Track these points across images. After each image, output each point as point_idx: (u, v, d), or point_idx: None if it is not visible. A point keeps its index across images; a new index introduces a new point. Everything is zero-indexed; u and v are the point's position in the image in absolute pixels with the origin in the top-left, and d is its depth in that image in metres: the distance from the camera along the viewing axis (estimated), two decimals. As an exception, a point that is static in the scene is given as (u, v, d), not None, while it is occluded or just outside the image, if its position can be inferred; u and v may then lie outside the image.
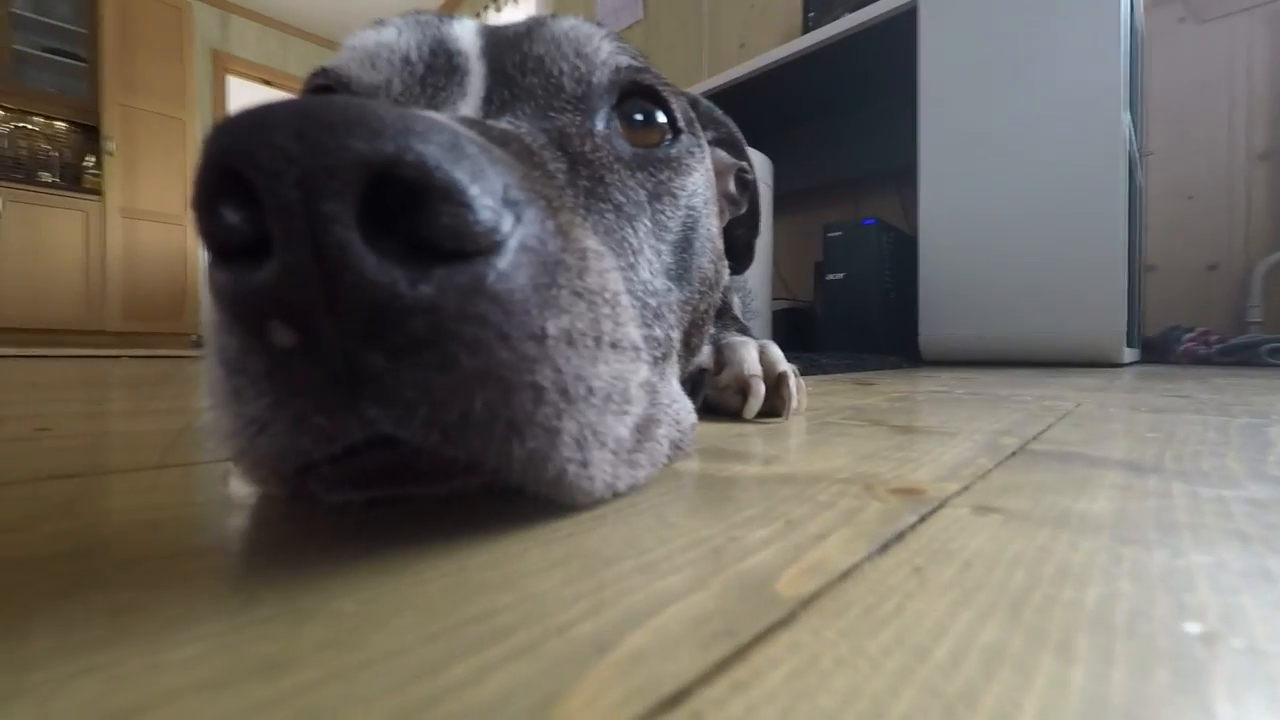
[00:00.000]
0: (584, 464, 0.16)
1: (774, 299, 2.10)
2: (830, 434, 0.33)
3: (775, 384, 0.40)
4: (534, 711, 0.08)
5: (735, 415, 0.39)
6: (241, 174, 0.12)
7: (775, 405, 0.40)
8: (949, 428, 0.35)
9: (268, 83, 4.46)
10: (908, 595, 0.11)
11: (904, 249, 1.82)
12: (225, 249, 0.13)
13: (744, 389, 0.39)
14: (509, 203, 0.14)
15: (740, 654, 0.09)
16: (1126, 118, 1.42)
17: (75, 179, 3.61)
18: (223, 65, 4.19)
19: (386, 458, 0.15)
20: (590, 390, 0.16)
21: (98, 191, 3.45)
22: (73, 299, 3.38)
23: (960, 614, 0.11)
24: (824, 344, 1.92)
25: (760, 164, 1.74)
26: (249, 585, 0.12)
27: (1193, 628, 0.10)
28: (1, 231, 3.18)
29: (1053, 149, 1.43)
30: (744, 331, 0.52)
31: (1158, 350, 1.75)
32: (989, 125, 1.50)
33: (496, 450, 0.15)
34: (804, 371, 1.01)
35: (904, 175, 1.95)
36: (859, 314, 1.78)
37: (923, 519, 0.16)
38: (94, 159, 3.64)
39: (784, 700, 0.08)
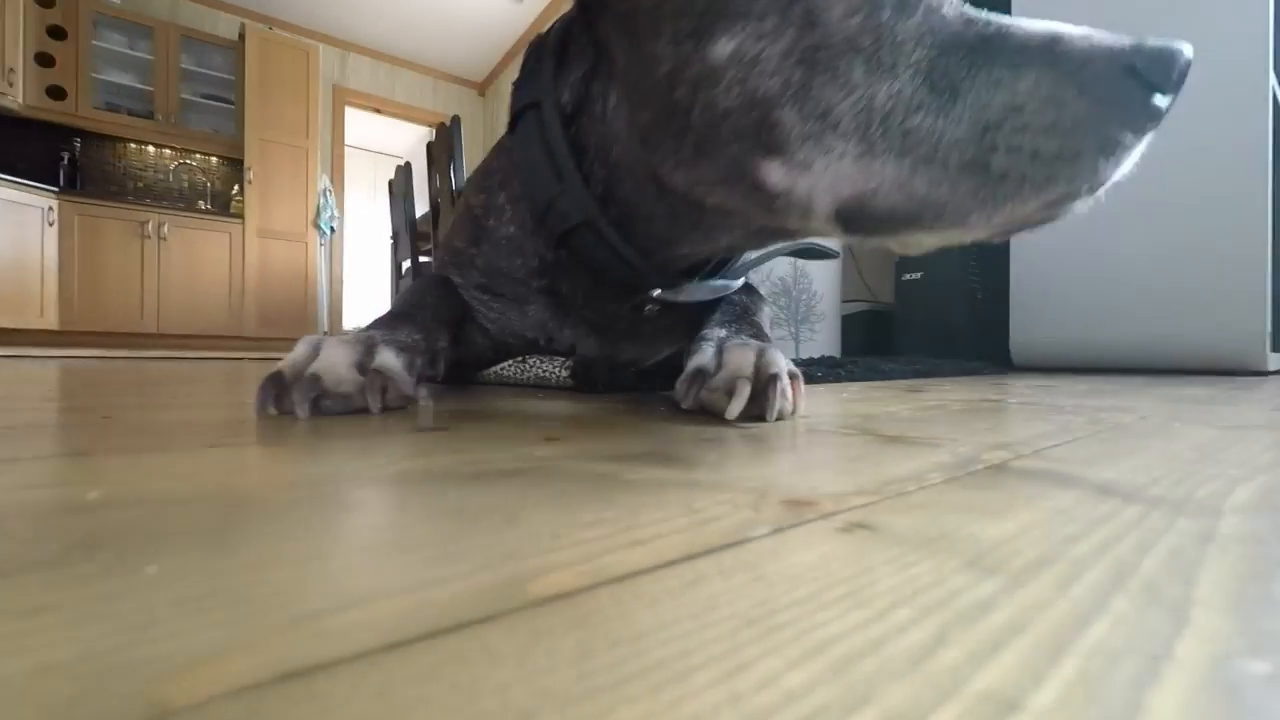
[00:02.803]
0: None
1: (847, 301, 1.99)
2: (802, 442, 0.31)
3: (764, 387, 0.38)
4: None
5: (722, 418, 0.38)
6: None
7: (763, 408, 0.38)
8: (940, 439, 0.31)
9: (378, 111, 4.91)
10: (628, 608, 0.11)
11: (994, 246, 1.66)
12: None
13: (731, 390, 0.38)
14: None
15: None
16: (1274, 81, 1.21)
17: (224, 205, 4.19)
18: (341, 98, 4.67)
19: None
20: None
21: (240, 215, 3.96)
22: (219, 309, 3.89)
23: (675, 626, 0.10)
24: (903, 348, 1.80)
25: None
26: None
27: (979, 684, 0.09)
28: (167, 253, 3.73)
29: (1177, 121, 1.24)
30: (758, 335, 0.50)
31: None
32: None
33: None
34: (859, 377, 0.95)
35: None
36: (940, 316, 1.65)
37: (777, 530, 0.15)
38: (238, 187, 4.20)
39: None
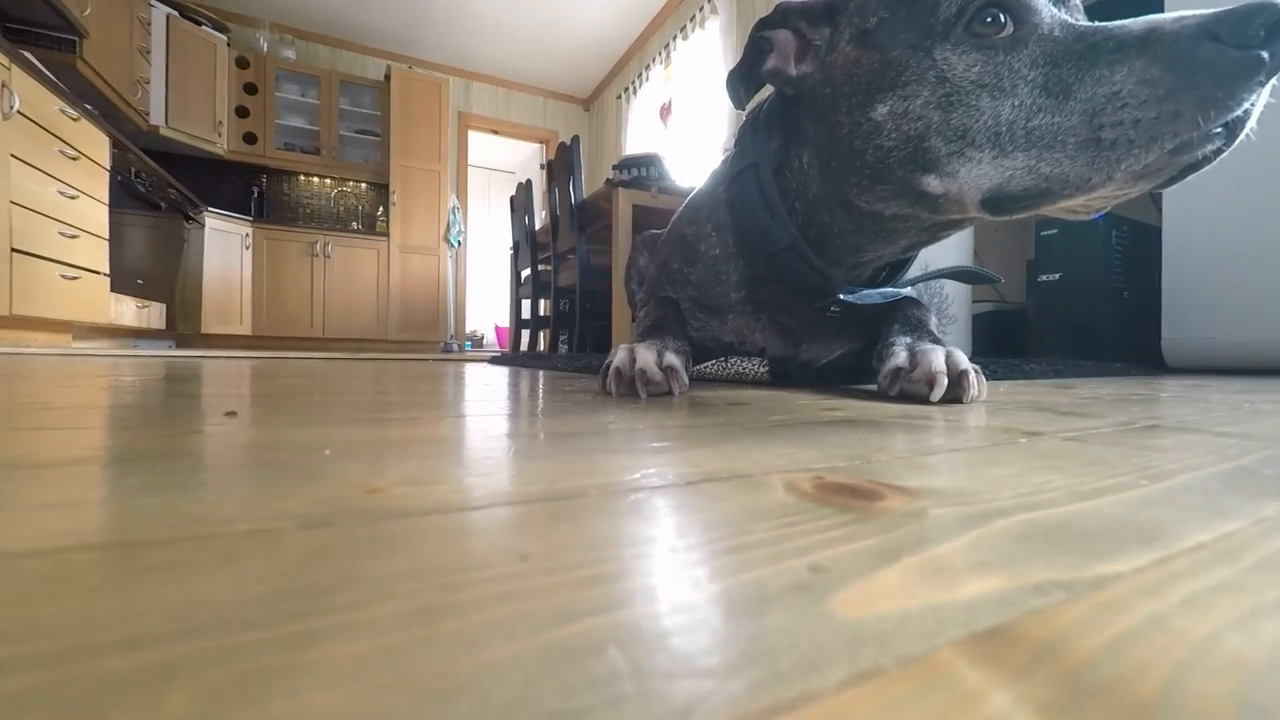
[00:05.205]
0: None
1: (976, 301, 2.00)
2: (1002, 413, 0.45)
3: (958, 378, 0.53)
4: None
5: (925, 401, 0.53)
6: None
7: (958, 394, 0.52)
8: (1103, 414, 0.44)
9: (496, 131, 5.40)
10: (969, 460, 0.27)
11: (1143, 242, 1.63)
12: None
13: (930, 381, 0.53)
14: None
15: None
16: None
17: (371, 225, 4.82)
18: (465, 123, 5.19)
19: None
20: None
21: (385, 234, 4.54)
22: (369, 316, 4.50)
23: (987, 458, 0.26)
24: (1036, 349, 1.80)
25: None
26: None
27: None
28: (330, 269, 4.37)
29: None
30: (935, 341, 0.64)
31: None
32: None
33: None
34: (1002, 376, 1.04)
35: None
36: (1079, 317, 1.64)
37: (1029, 440, 0.31)
38: (383, 209, 4.82)
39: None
